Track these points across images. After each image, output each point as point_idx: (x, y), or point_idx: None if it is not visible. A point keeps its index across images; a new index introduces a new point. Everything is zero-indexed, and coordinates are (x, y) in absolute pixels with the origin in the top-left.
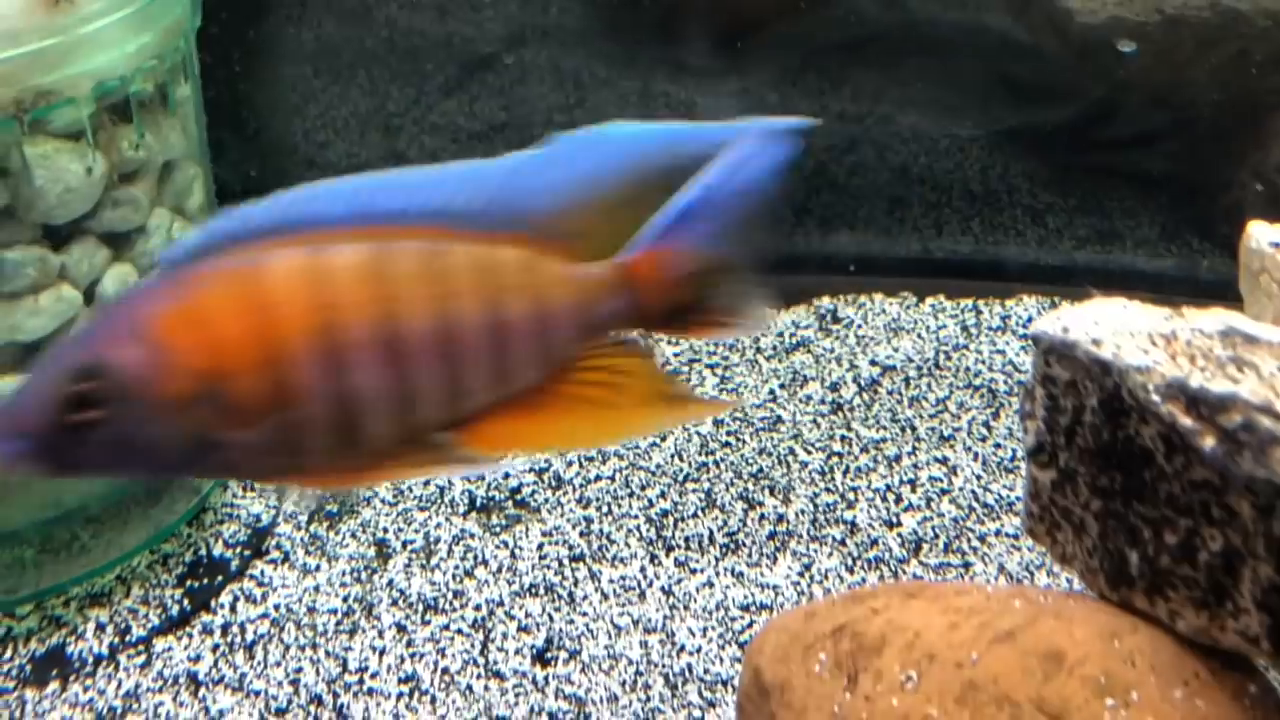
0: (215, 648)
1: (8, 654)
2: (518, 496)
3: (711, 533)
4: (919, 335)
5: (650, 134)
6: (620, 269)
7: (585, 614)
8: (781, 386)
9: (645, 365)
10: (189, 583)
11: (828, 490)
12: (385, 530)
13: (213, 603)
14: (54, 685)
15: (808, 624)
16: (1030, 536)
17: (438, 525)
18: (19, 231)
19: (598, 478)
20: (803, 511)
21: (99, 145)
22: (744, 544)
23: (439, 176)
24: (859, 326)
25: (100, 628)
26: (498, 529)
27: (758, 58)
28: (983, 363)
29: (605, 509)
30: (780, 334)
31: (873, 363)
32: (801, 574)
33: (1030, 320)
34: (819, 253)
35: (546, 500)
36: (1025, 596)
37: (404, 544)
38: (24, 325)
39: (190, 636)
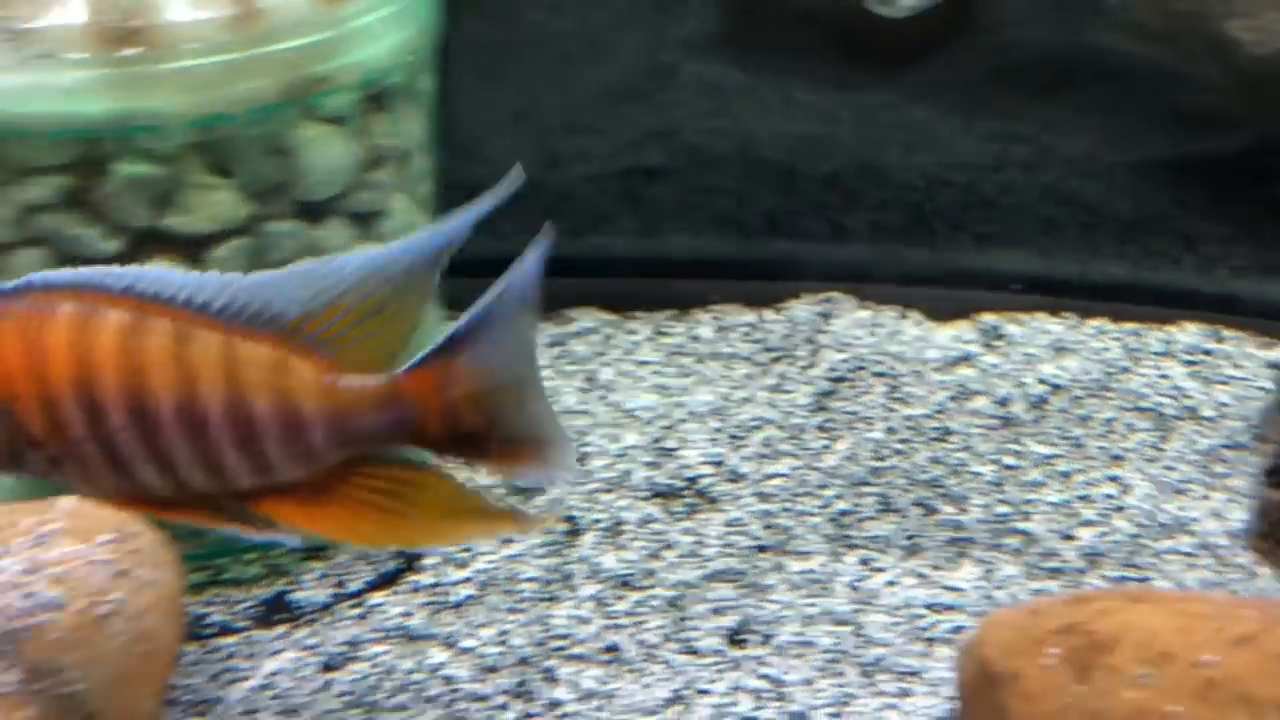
0: (425, 605)
1: (238, 595)
2: (696, 486)
3: (891, 534)
4: (1084, 355)
5: (379, 251)
6: (388, 385)
7: (775, 601)
8: (950, 399)
9: (435, 480)
10: None
11: (1002, 501)
12: (573, 508)
13: (418, 564)
14: (281, 628)
15: (1034, 620)
16: (1256, 553)
17: (622, 507)
18: (282, 206)
19: (774, 475)
20: (980, 520)
21: (358, 131)
22: (925, 547)
23: (204, 279)
24: (1023, 344)
25: (319, 579)
26: (680, 515)
27: (912, 75)
28: (1149, 386)
29: (784, 505)
30: (943, 348)
31: (1040, 380)
32: (984, 578)
33: (1194, 347)
34: (978, 269)
35: (725, 493)
36: (1254, 606)
37: (593, 522)
38: None
39: (400, 594)
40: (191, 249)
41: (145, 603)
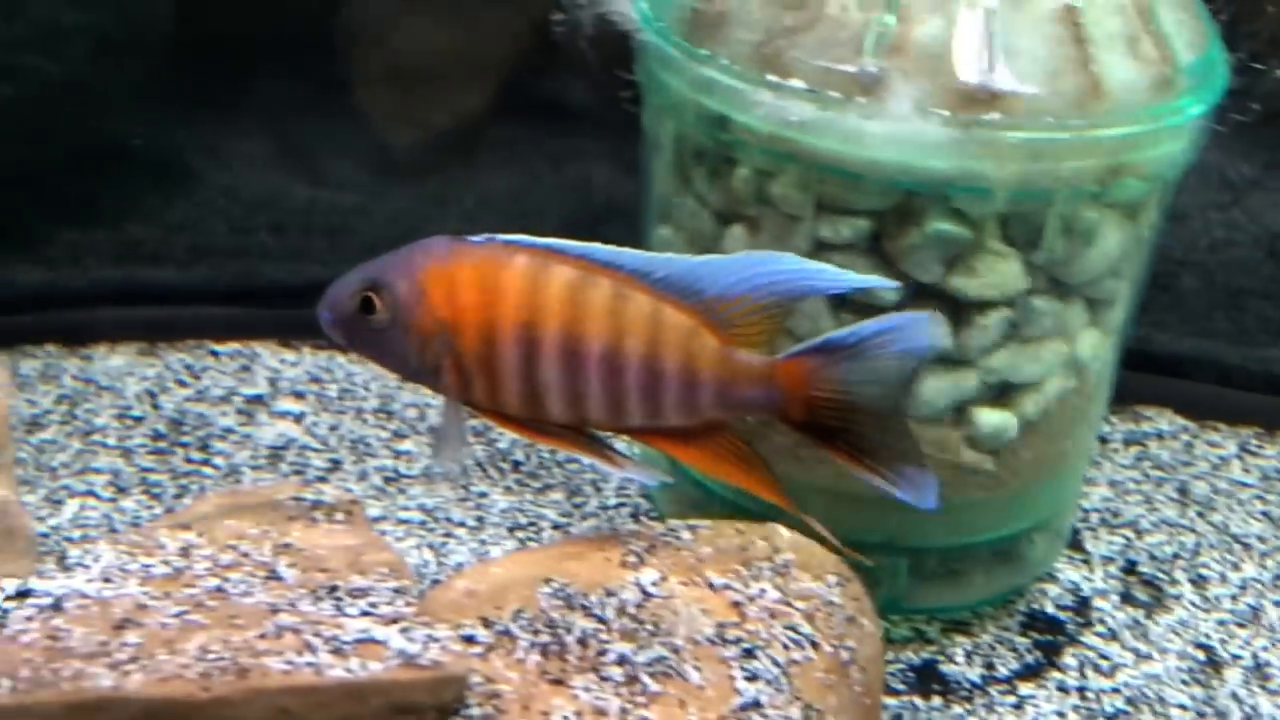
0: (1077, 709)
1: (889, 655)
2: None
3: None
4: None
5: (806, 265)
6: (768, 366)
7: None
8: None
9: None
10: (1031, 634)
11: None
12: (1208, 636)
13: (1059, 660)
14: (937, 699)
15: None
16: None
17: (1263, 647)
18: (1042, 282)
19: None
20: None
21: (1134, 221)
22: None
23: (648, 255)
24: None
25: (966, 656)
26: None
27: None
28: None
29: None
30: None
31: None
32: None
33: None
34: None
35: None
36: None
37: (1233, 657)
38: (1022, 368)
39: (1047, 688)
40: (958, 311)
41: (869, 653)
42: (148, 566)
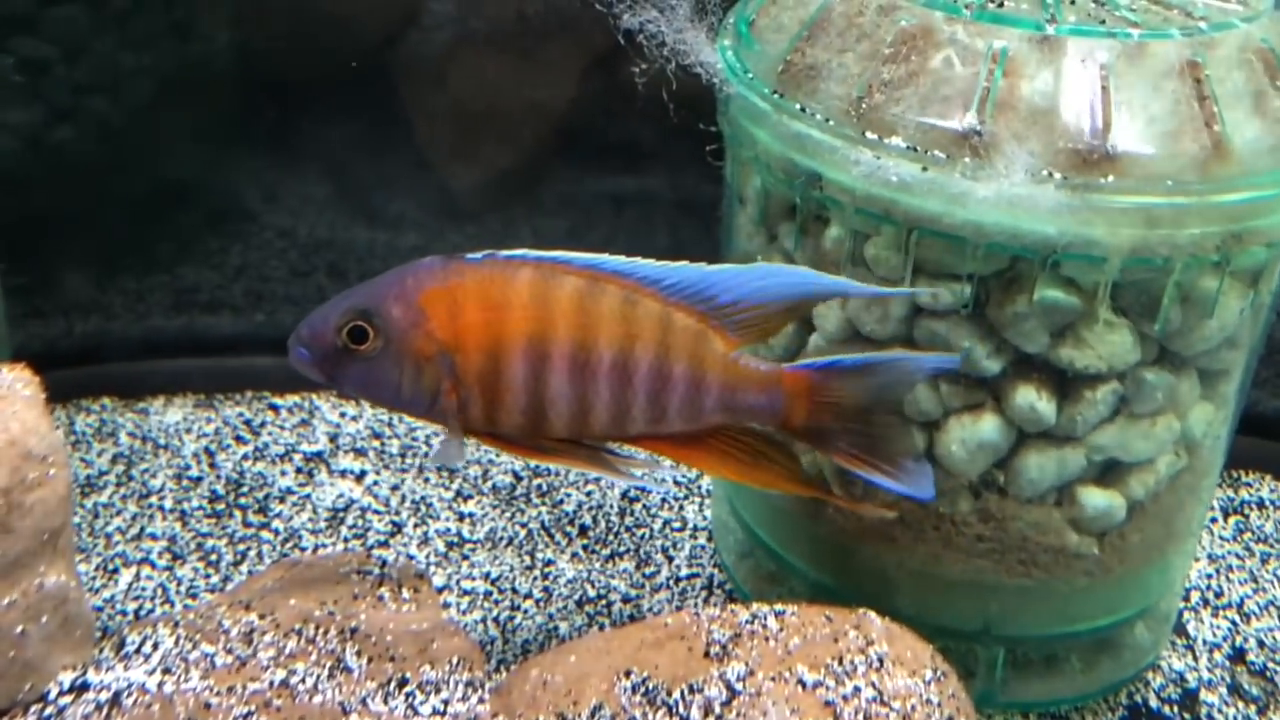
0: None
1: None
2: None
3: None
4: None
5: (817, 275)
6: (773, 372)
7: None
8: None
9: (778, 450)
10: None
11: None
12: None
13: None
14: None
15: None
16: None
17: None
18: (1153, 353)
19: None
20: None
21: (1253, 289)
22: None
23: (659, 264)
24: None
25: None
26: None
27: None
28: None
29: None
30: None
31: None
32: None
33: None
34: None
35: None
36: None
37: None
38: (1131, 446)
39: None
40: (1062, 384)
41: None
42: (209, 656)
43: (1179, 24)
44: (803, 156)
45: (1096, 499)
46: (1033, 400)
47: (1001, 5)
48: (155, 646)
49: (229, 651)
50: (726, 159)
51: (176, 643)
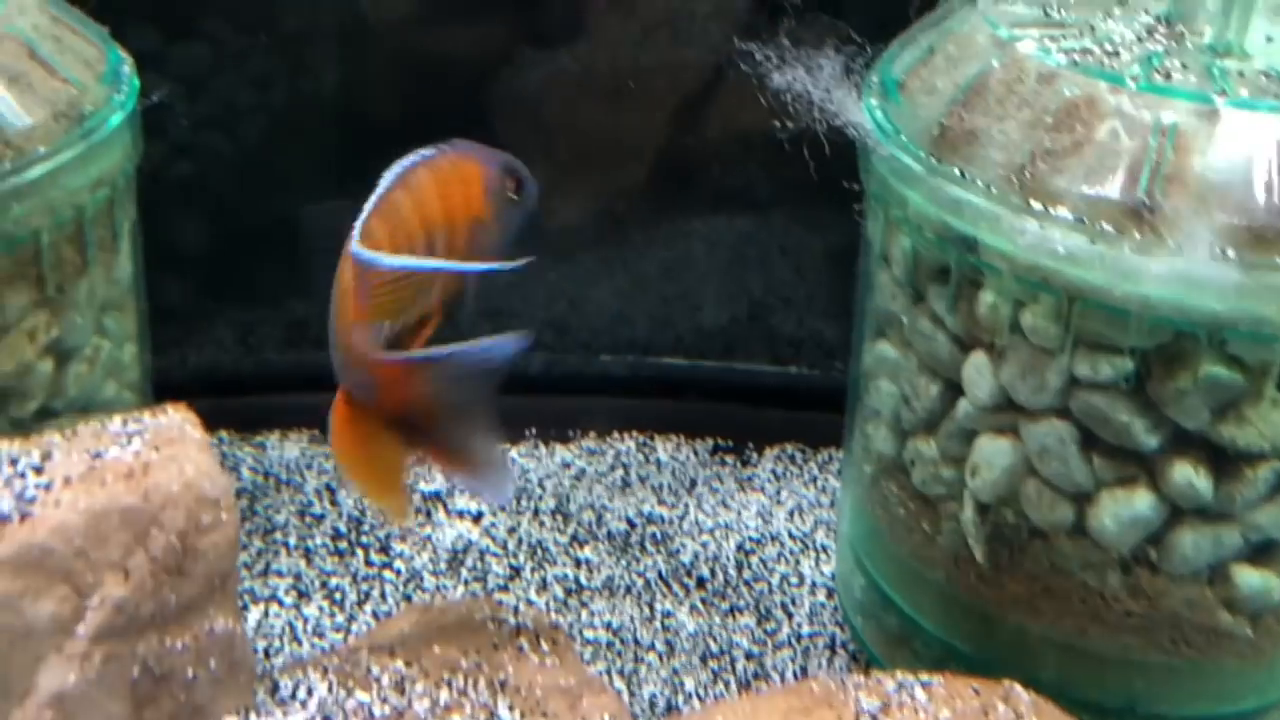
0: None
1: None
2: None
3: None
4: None
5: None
6: (376, 358)
7: None
8: None
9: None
10: None
11: None
12: None
13: None
14: None
15: None
16: None
17: None
18: None
19: None
20: None
21: None
22: None
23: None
24: None
25: None
26: None
27: None
28: None
29: None
30: None
31: None
32: None
33: None
34: None
35: None
36: None
37: None
38: None
39: None
40: (1222, 461)
41: None
42: (366, 705)
43: None
44: (960, 221)
45: (1252, 579)
46: (1191, 477)
47: (1169, 77)
48: (310, 692)
49: (384, 701)
50: (869, 216)
51: (330, 689)
